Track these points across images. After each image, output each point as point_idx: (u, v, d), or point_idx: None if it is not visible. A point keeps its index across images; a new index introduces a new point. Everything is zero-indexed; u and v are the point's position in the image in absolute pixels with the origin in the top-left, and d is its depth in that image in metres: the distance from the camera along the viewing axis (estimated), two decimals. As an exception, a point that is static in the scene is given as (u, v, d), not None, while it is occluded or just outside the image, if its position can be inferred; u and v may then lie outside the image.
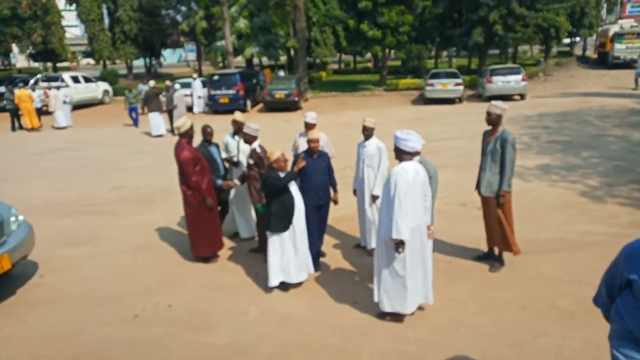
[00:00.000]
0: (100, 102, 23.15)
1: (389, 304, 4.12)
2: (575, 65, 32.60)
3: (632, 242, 2.25)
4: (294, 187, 4.74)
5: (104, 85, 23.99)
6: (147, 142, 14.06)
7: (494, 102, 4.91)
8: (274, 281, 4.74)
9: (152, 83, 15.33)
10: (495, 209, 4.95)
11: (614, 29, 29.19)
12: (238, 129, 5.79)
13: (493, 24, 20.95)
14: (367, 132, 5.41)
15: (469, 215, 6.60)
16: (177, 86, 15.37)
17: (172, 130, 14.80)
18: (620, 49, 27.03)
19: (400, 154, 3.96)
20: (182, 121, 5.31)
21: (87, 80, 22.75)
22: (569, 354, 3.66)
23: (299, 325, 4.22)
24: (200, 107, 19.89)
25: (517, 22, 21.21)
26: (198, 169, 5.22)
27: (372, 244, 5.54)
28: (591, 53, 40.04)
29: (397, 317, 4.18)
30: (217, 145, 5.95)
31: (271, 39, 27.56)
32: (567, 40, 38.93)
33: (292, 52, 29.23)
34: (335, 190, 5.31)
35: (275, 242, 4.71)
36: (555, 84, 23.35)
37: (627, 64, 26.07)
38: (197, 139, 5.56)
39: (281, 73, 24.60)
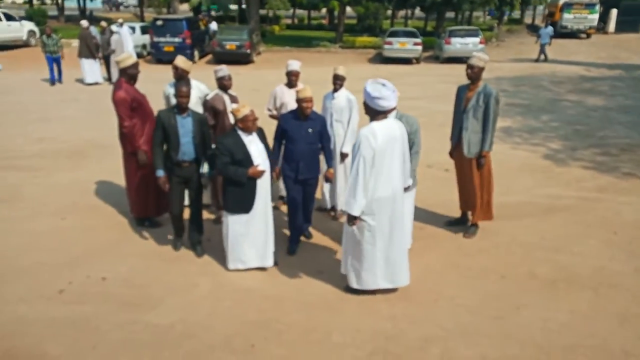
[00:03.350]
0: (26, 44, 20.59)
1: (355, 280, 3.63)
2: (525, 33, 33.05)
3: None
4: (259, 156, 3.78)
5: (29, 25, 21.25)
6: (80, 90, 12.52)
7: (476, 54, 4.55)
8: (232, 265, 4.04)
9: (84, 23, 13.33)
10: (473, 171, 4.56)
11: (563, -1, 29.64)
12: (180, 77, 4.82)
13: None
14: (339, 82, 4.74)
15: (436, 178, 6.25)
16: (114, 28, 13.66)
17: (109, 79, 13.28)
18: (568, 19, 27.53)
19: (371, 112, 3.29)
20: (125, 56, 4.45)
21: (9, 18, 20.02)
22: (555, 327, 3.37)
23: (257, 301, 3.66)
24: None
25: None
26: (136, 115, 4.38)
27: (341, 205, 5.02)
28: (539, 21, 40.87)
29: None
30: (196, 116, 4.18)
31: (221, -14, 25.55)
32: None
33: (242, 2, 27.26)
34: (329, 165, 4.41)
35: (232, 225, 3.88)
36: (507, 50, 23.41)
37: (574, 34, 26.84)
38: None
39: (213, 26, 22.77)
